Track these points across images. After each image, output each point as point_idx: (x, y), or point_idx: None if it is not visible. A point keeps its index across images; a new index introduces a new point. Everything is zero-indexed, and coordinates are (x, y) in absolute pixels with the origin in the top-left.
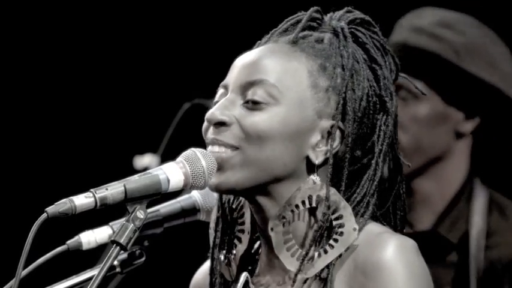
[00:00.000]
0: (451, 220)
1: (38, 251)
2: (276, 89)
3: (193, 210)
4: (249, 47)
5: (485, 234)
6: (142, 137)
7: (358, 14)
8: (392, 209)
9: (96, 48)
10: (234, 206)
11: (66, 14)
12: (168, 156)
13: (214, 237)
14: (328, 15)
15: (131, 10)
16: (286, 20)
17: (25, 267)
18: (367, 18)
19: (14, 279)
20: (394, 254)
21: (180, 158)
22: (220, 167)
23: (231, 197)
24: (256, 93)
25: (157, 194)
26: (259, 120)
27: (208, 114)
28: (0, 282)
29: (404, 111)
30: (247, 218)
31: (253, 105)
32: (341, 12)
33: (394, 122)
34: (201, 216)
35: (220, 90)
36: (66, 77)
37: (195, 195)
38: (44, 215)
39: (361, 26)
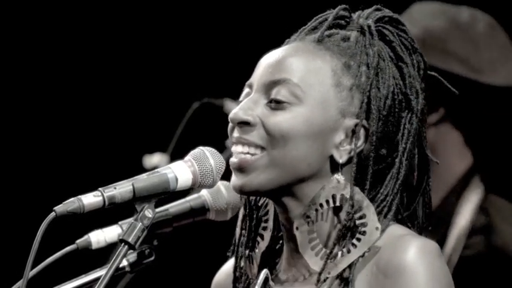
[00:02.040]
0: (435, 217)
1: (46, 250)
2: (299, 89)
3: (202, 209)
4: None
5: (467, 235)
6: (151, 136)
7: (386, 12)
8: (418, 208)
9: (106, 48)
10: (259, 204)
11: (76, 14)
12: (178, 155)
13: (240, 235)
14: (357, 13)
15: (141, 9)
16: (315, 18)
17: (34, 266)
18: (396, 16)
19: (22, 279)
20: (416, 257)
21: (188, 157)
22: (244, 168)
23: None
24: (280, 93)
25: (166, 193)
26: (282, 120)
27: (231, 114)
28: (8, 282)
29: None
30: (270, 215)
31: (276, 105)
32: (369, 10)
33: (421, 120)
34: (211, 216)
35: (246, 90)
36: (78, 77)
37: (205, 195)
38: (53, 214)
39: (389, 24)
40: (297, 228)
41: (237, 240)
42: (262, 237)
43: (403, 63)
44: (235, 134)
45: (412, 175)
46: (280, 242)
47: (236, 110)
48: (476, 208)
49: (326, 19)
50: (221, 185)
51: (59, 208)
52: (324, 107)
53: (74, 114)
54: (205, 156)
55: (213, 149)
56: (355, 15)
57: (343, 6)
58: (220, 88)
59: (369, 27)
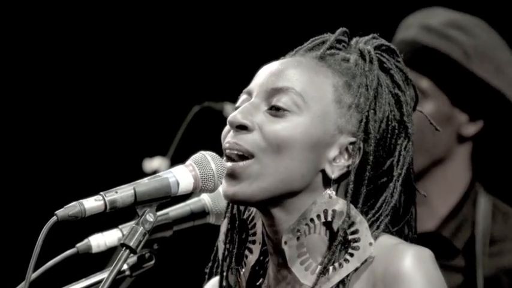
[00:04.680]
0: (455, 225)
1: (47, 253)
2: (301, 98)
3: (202, 213)
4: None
5: (489, 240)
6: (152, 140)
7: (384, 41)
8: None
9: (107, 52)
10: (245, 217)
11: (77, 19)
12: (178, 159)
13: (224, 250)
14: (354, 39)
15: (142, 13)
16: (311, 39)
17: (35, 270)
18: (393, 46)
19: (23, 282)
20: (412, 264)
21: (189, 161)
22: (237, 176)
23: (242, 208)
24: (281, 100)
25: (167, 197)
26: (281, 128)
27: (230, 117)
28: (10, 285)
29: None
30: (258, 228)
31: (276, 112)
32: (367, 37)
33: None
34: (211, 219)
35: (243, 96)
36: (79, 81)
37: (205, 198)
38: (54, 218)
39: (386, 53)
40: (285, 243)
41: (220, 256)
42: (251, 250)
43: (400, 91)
44: (229, 138)
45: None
46: (266, 255)
47: (235, 113)
48: (489, 216)
49: (323, 41)
50: (221, 189)
51: (61, 212)
52: (323, 121)
53: (75, 118)
54: (207, 160)
55: (214, 153)
56: (352, 41)
57: (344, 29)
58: (220, 92)
59: (369, 52)
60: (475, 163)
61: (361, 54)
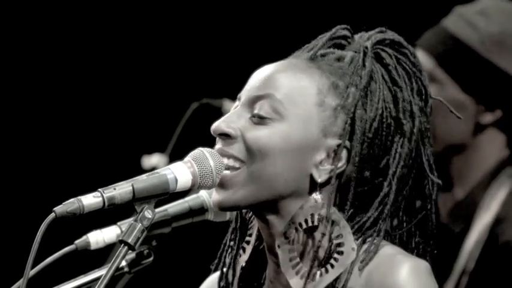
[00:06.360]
0: (460, 209)
1: (46, 250)
2: (282, 105)
3: (201, 210)
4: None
5: (491, 228)
6: (150, 137)
7: (389, 35)
8: (416, 230)
9: (105, 49)
10: (246, 217)
11: (75, 16)
12: (176, 156)
13: (224, 246)
14: (359, 34)
15: (140, 10)
16: (319, 36)
17: (33, 266)
18: (398, 39)
19: (22, 279)
20: (408, 277)
21: (188, 158)
22: (224, 185)
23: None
24: (262, 108)
25: (165, 194)
26: (261, 135)
27: (213, 126)
28: (8, 282)
29: None
30: (254, 229)
31: (258, 120)
32: (372, 32)
33: (423, 142)
34: (209, 216)
35: (236, 102)
36: (77, 78)
37: (203, 195)
38: (52, 215)
39: (389, 47)
40: (278, 246)
41: (222, 252)
42: (244, 250)
43: (398, 87)
44: (218, 145)
45: (410, 199)
46: (260, 255)
47: (219, 122)
48: (502, 202)
49: (330, 39)
50: None
51: (59, 209)
52: (305, 125)
53: (73, 115)
54: (205, 157)
55: (213, 150)
56: (357, 36)
57: (343, 26)
58: (219, 88)
59: (366, 48)
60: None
61: (358, 51)
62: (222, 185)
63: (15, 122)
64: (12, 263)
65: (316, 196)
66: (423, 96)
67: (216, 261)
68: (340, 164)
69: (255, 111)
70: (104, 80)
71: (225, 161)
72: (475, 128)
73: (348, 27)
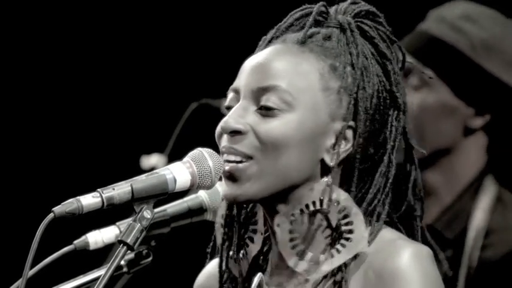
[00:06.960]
0: (450, 215)
1: (45, 250)
2: (289, 95)
3: (200, 210)
4: (255, 46)
5: (485, 233)
6: (149, 137)
7: (363, 6)
8: (409, 210)
9: (103, 48)
10: (245, 205)
11: (75, 15)
12: (175, 156)
13: (223, 235)
14: (333, 8)
15: (139, 10)
16: (290, 14)
17: (32, 266)
18: (372, 9)
19: (21, 279)
20: (410, 262)
21: (186, 158)
22: (237, 178)
23: None
24: (270, 100)
25: (164, 194)
26: (273, 127)
27: (222, 123)
28: (7, 282)
29: (414, 98)
30: (260, 217)
31: (267, 112)
32: (345, 4)
33: (404, 112)
34: (208, 216)
35: (231, 94)
36: (76, 78)
37: (202, 195)
38: (51, 215)
39: (366, 19)
40: (278, 225)
41: (219, 240)
42: (252, 239)
43: (387, 60)
44: (224, 142)
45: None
46: (268, 244)
47: (226, 119)
48: (489, 208)
49: (302, 15)
50: (218, 185)
51: (58, 209)
52: (314, 112)
53: (72, 115)
54: (204, 157)
55: (211, 150)
56: (332, 10)
57: (322, 3)
58: (218, 89)
59: (349, 24)
60: (489, 154)
61: (342, 28)
62: (233, 178)
63: (14, 122)
64: (11, 263)
65: (328, 179)
66: (400, 63)
67: (212, 245)
68: (348, 146)
69: (262, 103)
70: (103, 80)
71: (235, 157)
72: (463, 132)
73: (325, 3)
